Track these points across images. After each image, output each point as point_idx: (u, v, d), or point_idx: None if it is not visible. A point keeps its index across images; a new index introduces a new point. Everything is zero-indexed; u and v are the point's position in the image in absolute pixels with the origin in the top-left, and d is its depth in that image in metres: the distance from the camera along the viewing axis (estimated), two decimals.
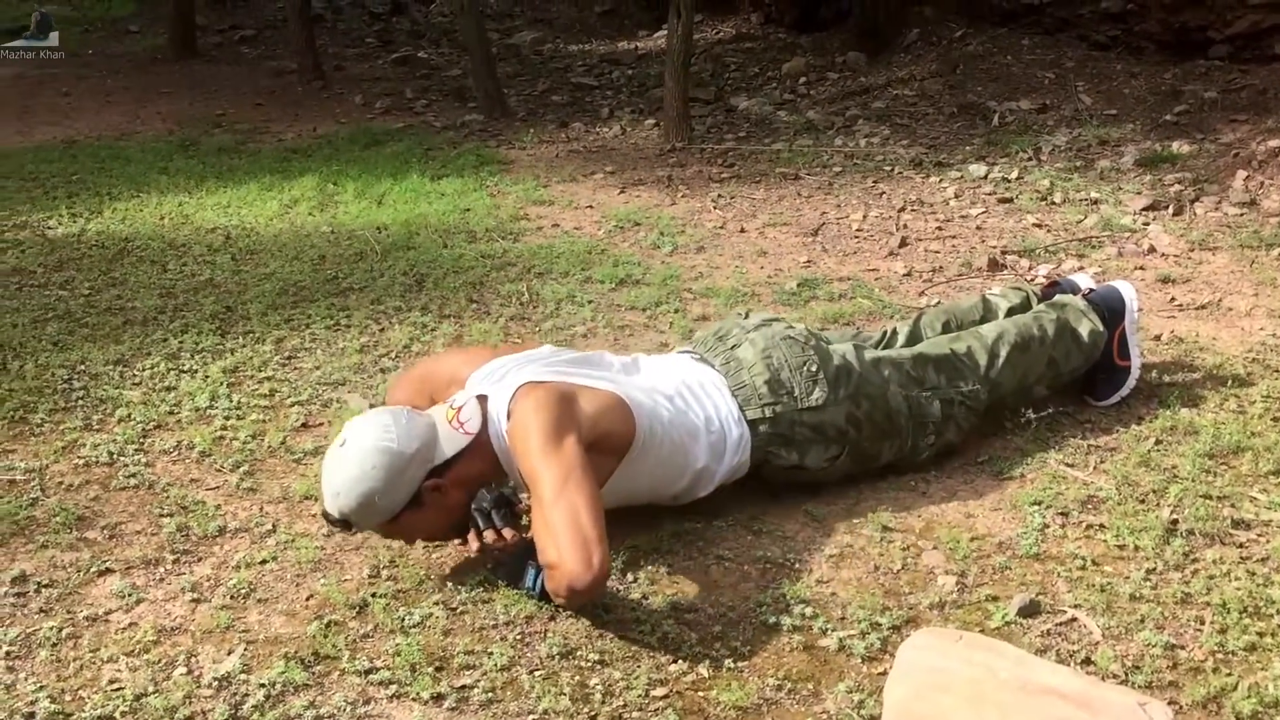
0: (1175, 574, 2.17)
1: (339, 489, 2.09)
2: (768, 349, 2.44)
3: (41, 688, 1.89)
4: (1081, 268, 3.88)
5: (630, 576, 2.19)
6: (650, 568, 2.23)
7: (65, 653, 1.99)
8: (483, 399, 2.22)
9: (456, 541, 2.31)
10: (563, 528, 1.95)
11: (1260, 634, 1.99)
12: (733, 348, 2.48)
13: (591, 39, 9.25)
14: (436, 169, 5.41)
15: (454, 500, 2.17)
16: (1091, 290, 2.88)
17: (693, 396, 2.38)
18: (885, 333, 2.78)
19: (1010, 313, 2.83)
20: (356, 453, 2.09)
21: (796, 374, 2.41)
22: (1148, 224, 4.29)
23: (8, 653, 1.98)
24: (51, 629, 2.04)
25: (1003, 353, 2.64)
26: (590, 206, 4.79)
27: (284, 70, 8.41)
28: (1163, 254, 4.00)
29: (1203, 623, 2.03)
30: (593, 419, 2.15)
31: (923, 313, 2.86)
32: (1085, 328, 2.74)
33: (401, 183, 5.09)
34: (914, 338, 2.75)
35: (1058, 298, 2.85)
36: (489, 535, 2.30)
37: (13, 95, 7.78)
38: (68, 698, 1.87)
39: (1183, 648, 1.97)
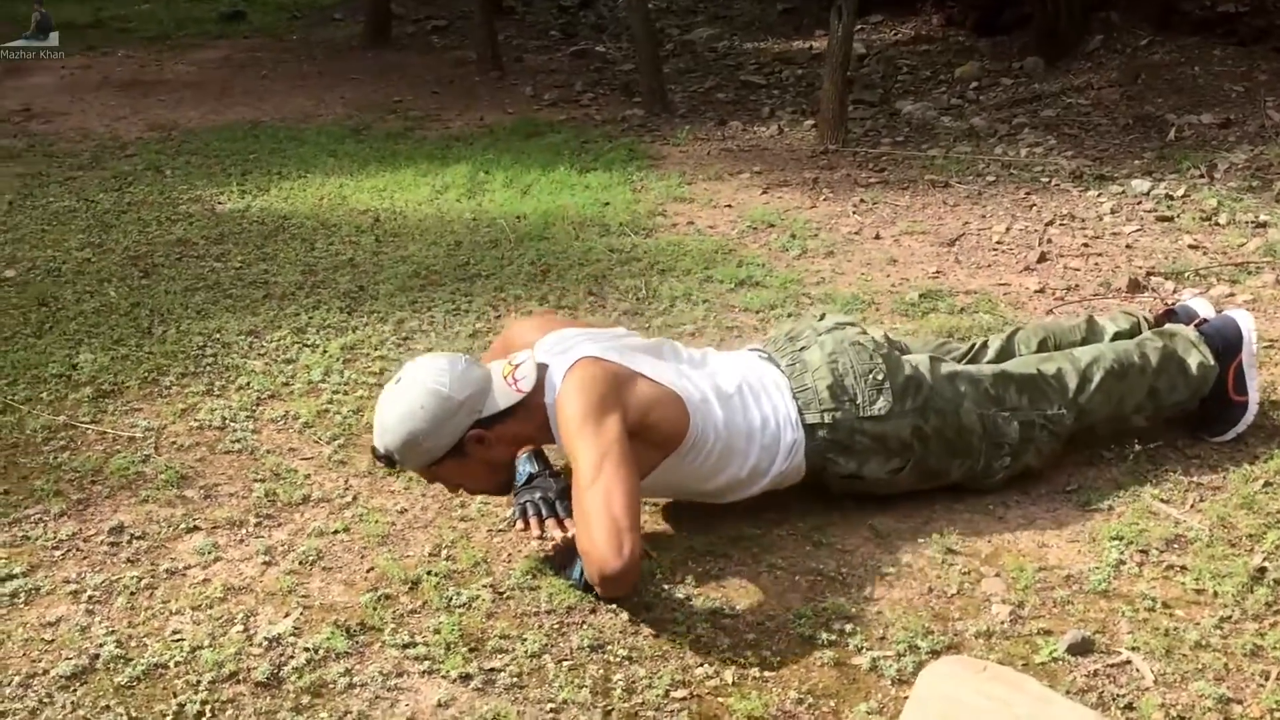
0: (1251, 624, 2.05)
1: (387, 425, 2.17)
2: (834, 353, 2.40)
3: (111, 632, 2.04)
4: (1231, 294, 3.67)
5: (678, 576, 2.21)
6: (700, 569, 2.24)
7: (140, 601, 2.14)
8: (543, 366, 2.25)
9: (519, 526, 2.37)
10: (595, 513, 1.98)
11: None
12: (801, 349, 2.45)
13: (769, 37, 9.20)
14: (587, 161, 5.50)
15: (497, 455, 2.22)
16: (1205, 321, 2.72)
17: (752, 395, 2.36)
18: (974, 345, 2.69)
19: (1116, 338, 2.70)
20: (408, 392, 2.16)
21: (861, 381, 2.37)
22: None
23: (90, 597, 2.14)
24: (133, 578, 2.20)
25: (1096, 377, 2.52)
26: (729, 205, 4.79)
27: (466, 60, 8.67)
28: None
29: (1268, 678, 1.91)
30: (643, 407, 2.16)
31: (1020, 328, 2.75)
32: (1194, 359, 2.60)
33: (549, 174, 5.20)
34: (1005, 353, 2.66)
35: (1168, 326, 2.71)
36: (550, 523, 2.36)
37: (217, 77, 8.26)
38: (132, 644, 2.01)
39: (1240, 702, 1.86)
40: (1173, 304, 2.83)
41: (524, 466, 2.47)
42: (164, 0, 12.04)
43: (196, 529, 2.38)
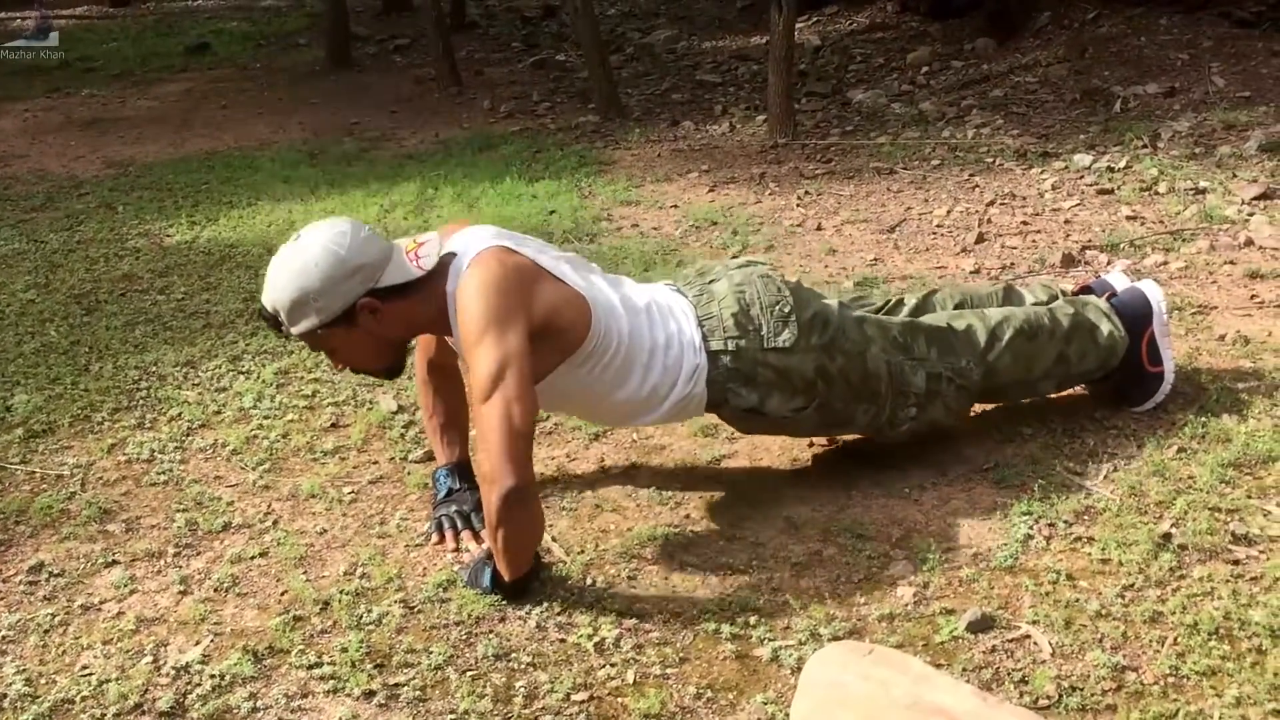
0: (1154, 591, 2.06)
1: (277, 282, 2.10)
2: (742, 284, 2.37)
3: (21, 671, 2.04)
4: (1165, 262, 3.67)
5: (589, 579, 2.22)
6: (612, 570, 2.24)
7: (53, 639, 2.14)
8: (450, 254, 2.18)
9: (434, 540, 2.38)
10: (493, 428, 1.97)
11: (1224, 658, 1.87)
12: (710, 282, 2.42)
13: (727, 35, 9.23)
14: (537, 171, 5.52)
15: (388, 333, 2.16)
16: (1115, 294, 2.72)
17: (660, 315, 2.32)
18: (889, 300, 2.68)
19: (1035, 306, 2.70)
20: (304, 250, 2.09)
21: (767, 312, 2.34)
22: (1252, 215, 4.02)
23: (4, 637, 2.15)
24: (47, 616, 2.21)
25: (1005, 336, 2.51)
26: (675, 206, 4.80)
27: (426, 78, 8.70)
28: (1260, 247, 3.75)
29: (1163, 643, 1.91)
30: (548, 309, 2.12)
31: (936, 290, 2.74)
32: (1105, 327, 2.60)
33: (497, 185, 5.22)
34: (920, 310, 2.64)
35: (1080, 296, 2.71)
36: (465, 536, 2.38)
37: (177, 110, 8.29)
38: (41, 681, 2.02)
39: (1135, 670, 1.87)
40: (1090, 281, 2.84)
41: (444, 480, 2.49)
42: (131, 37, 12.11)
43: (115, 563, 2.39)
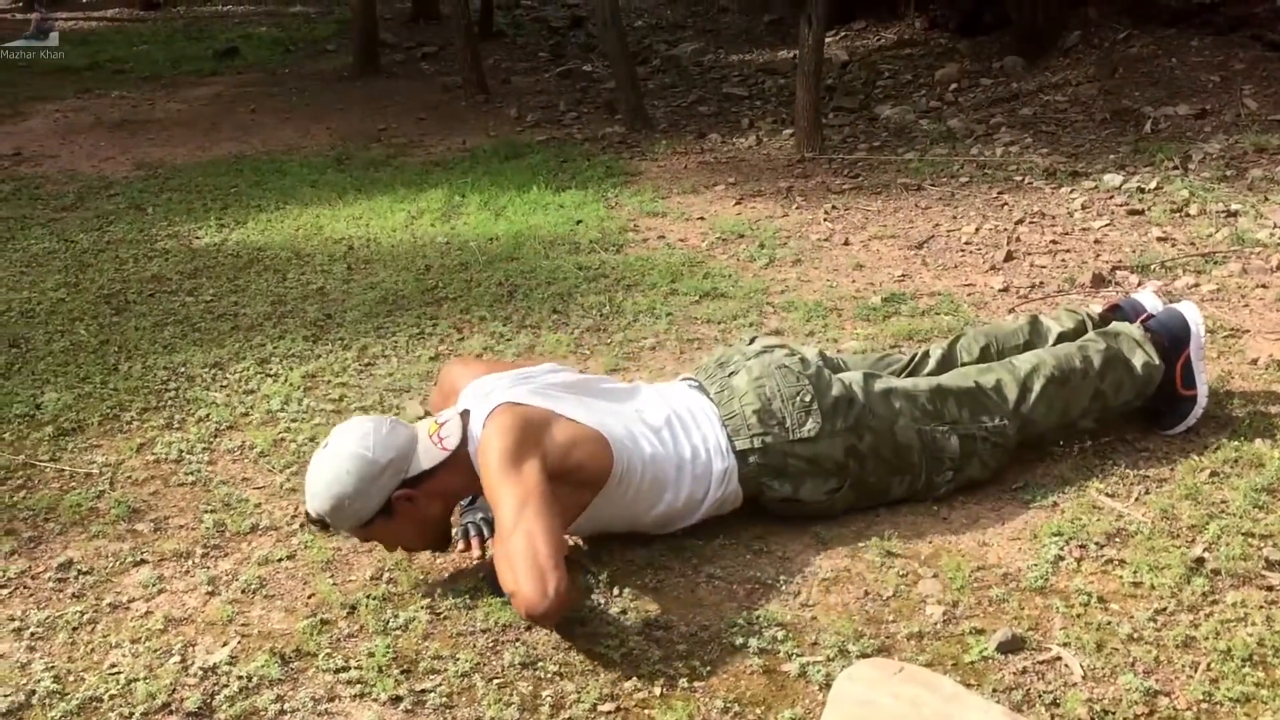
0: (1186, 615, 2.04)
1: (315, 491, 2.18)
2: (761, 378, 2.40)
3: (50, 668, 2.05)
4: (1196, 285, 3.65)
5: (615, 590, 2.21)
6: (639, 582, 2.24)
7: (81, 636, 2.15)
8: (465, 414, 2.26)
9: (460, 547, 2.38)
10: (519, 557, 1.98)
11: (1258, 684, 1.85)
12: (729, 375, 2.45)
13: (754, 48, 9.24)
14: (563, 181, 5.53)
15: (428, 512, 2.22)
16: (1151, 316, 2.70)
17: (681, 427, 2.36)
18: (915, 356, 2.68)
19: (1060, 339, 2.68)
20: (334, 456, 2.17)
21: (789, 404, 2.36)
22: None
23: (33, 634, 2.16)
24: (76, 613, 2.22)
25: (1036, 386, 2.50)
26: (702, 218, 4.80)
27: (454, 85, 8.73)
28: None
29: (1196, 669, 1.90)
30: (564, 448, 2.16)
31: (961, 334, 2.74)
32: (1139, 359, 2.58)
33: (524, 194, 5.23)
34: (947, 362, 2.64)
35: (1112, 325, 2.69)
36: (491, 543, 2.37)
37: (206, 113, 8.34)
38: (70, 678, 2.03)
39: (1167, 695, 1.85)
40: (1120, 300, 2.82)
41: None
42: (161, 40, 12.20)
43: (144, 562, 2.40)
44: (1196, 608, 2.06)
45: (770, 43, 9.33)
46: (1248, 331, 3.26)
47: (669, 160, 5.98)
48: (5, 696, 1.97)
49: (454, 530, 2.44)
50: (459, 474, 2.22)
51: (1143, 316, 2.71)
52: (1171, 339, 2.62)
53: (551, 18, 12.04)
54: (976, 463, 2.46)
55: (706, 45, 9.48)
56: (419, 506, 2.20)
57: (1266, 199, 4.44)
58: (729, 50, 9.26)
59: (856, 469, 2.38)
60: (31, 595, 2.30)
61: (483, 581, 2.24)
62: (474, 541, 2.39)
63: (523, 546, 1.99)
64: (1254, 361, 3.04)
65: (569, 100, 7.83)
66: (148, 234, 4.99)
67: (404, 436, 2.22)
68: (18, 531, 2.54)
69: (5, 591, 2.32)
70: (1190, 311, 2.66)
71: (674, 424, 2.36)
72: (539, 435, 2.15)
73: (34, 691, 1.99)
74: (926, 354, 2.67)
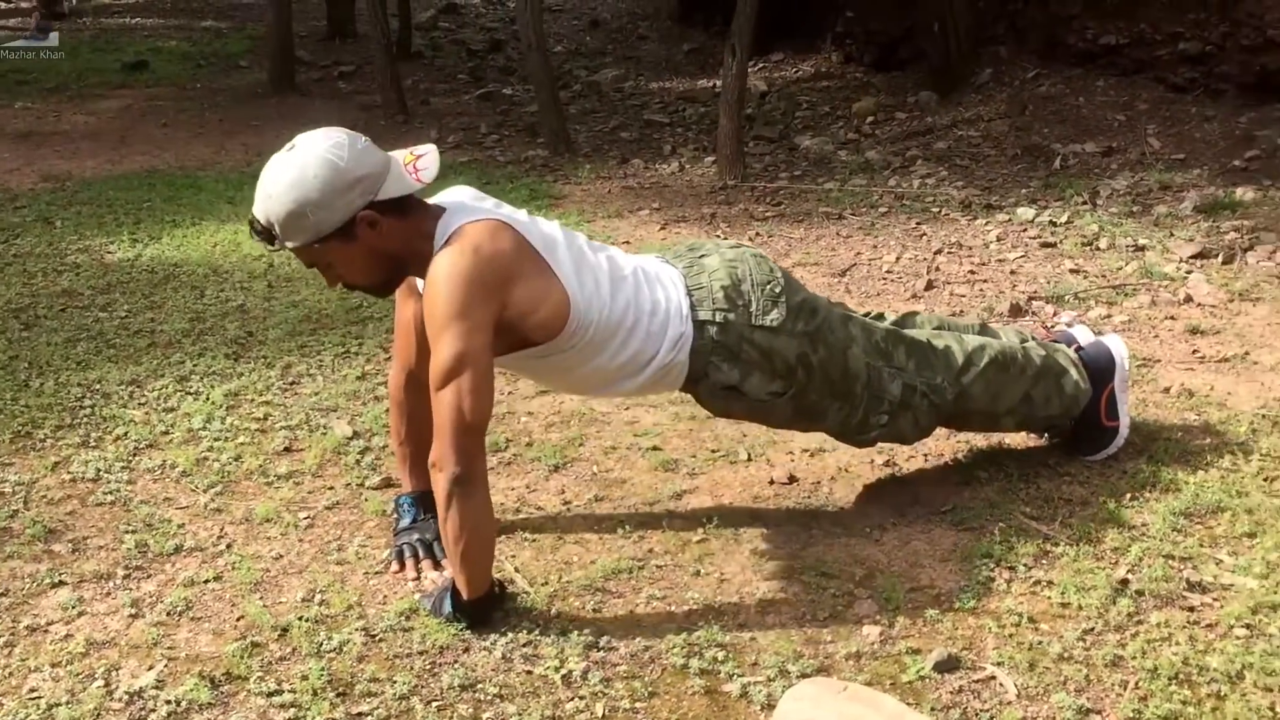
0: (1113, 635, 2.09)
1: (273, 191, 2.01)
2: (734, 260, 2.35)
3: None
4: (1108, 315, 3.76)
5: (554, 611, 2.20)
6: (577, 602, 2.23)
7: None
8: (441, 211, 2.12)
9: (394, 568, 2.35)
10: (444, 420, 1.99)
11: (1184, 702, 1.90)
12: (701, 256, 2.40)
13: (674, 77, 9.32)
14: None
15: (384, 246, 2.08)
16: (1083, 347, 2.77)
17: (646, 281, 2.28)
18: (869, 313, 2.68)
19: None
20: (301, 158, 2.01)
21: (758, 289, 2.31)
22: (1190, 273, 4.14)
23: None
24: None
25: (981, 362, 2.53)
26: (627, 242, 4.82)
27: (372, 105, 8.66)
28: (1198, 304, 3.86)
29: (1126, 687, 1.95)
30: (522, 306, 2.09)
31: (916, 312, 2.76)
32: (1070, 378, 2.64)
33: None
34: (901, 326, 2.64)
35: (1050, 344, 2.76)
36: (426, 565, 2.35)
37: (115, 126, 8.15)
38: None
39: (1098, 712, 1.89)
40: (1053, 328, 2.89)
41: (408, 509, 2.46)
42: (66, 50, 11.89)
43: (62, 583, 2.32)
44: (1123, 628, 2.11)
45: (690, 71, 9.42)
46: (1159, 361, 3.37)
47: (593, 184, 5.99)
48: None
49: (389, 551, 2.41)
50: (420, 238, 2.08)
51: (1074, 346, 2.78)
52: (1099, 370, 2.69)
53: (470, 40, 12.01)
54: (910, 417, 2.46)
55: (627, 72, 9.54)
56: (380, 236, 2.05)
57: (1171, 234, 4.60)
58: (649, 78, 9.33)
59: (804, 378, 2.34)
60: None
61: (419, 602, 2.21)
62: (409, 563, 2.36)
63: (453, 406, 1.99)
64: (1166, 390, 3.14)
65: (490, 122, 7.82)
66: (57, 248, 4.85)
67: (378, 157, 2.07)
68: None
69: None
70: (1116, 345, 2.73)
71: (639, 276, 2.28)
72: (501, 286, 2.05)
73: None
74: (882, 315, 2.68)
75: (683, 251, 2.45)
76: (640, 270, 2.31)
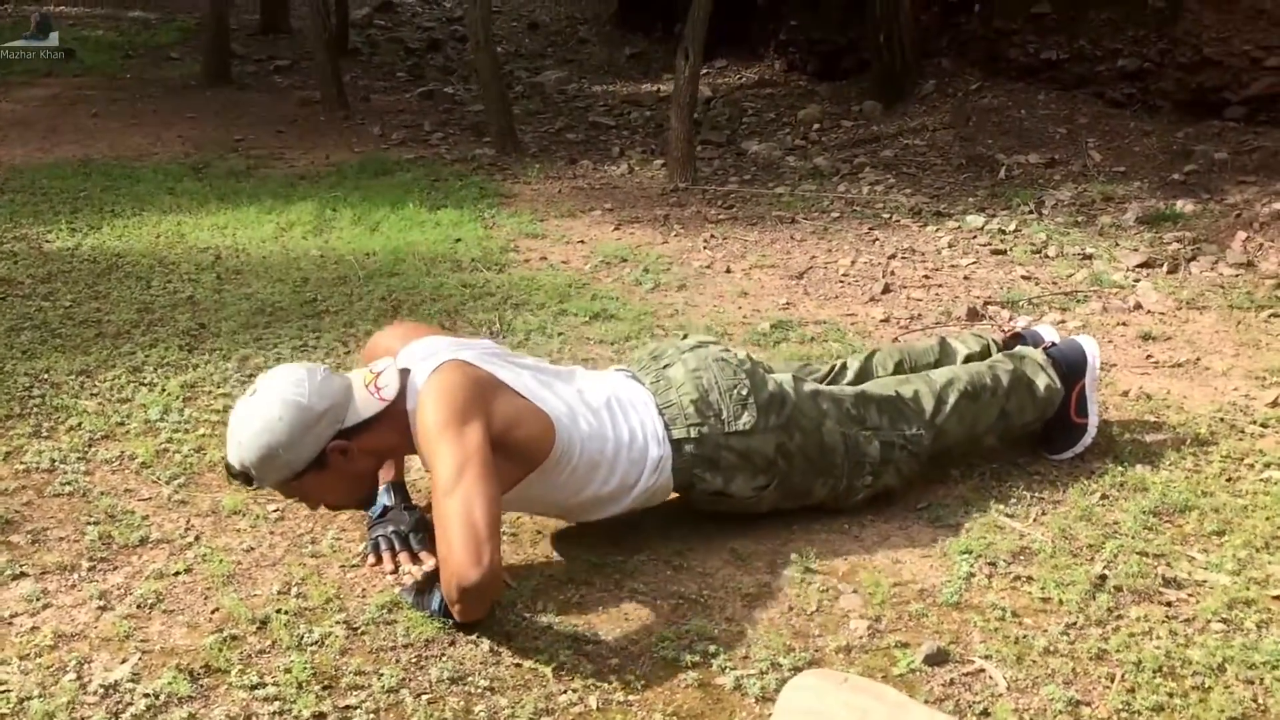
0: (1095, 629, 2.11)
1: (243, 440, 2.06)
2: (698, 370, 2.40)
3: None
4: (1062, 321, 3.83)
5: (539, 604, 2.17)
6: (561, 597, 2.20)
7: None
8: (405, 372, 2.18)
9: (370, 561, 2.29)
10: (454, 521, 1.93)
11: (1170, 694, 1.93)
12: (664, 367, 2.44)
13: (617, 80, 9.32)
14: (437, 199, 5.45)
15: (360, 468, 2.14)
16: (1053, 344, 2.82)
17: (620, 409, 2.32)
18: (834, 367, 2.73)
19: (968, 359, 2.78)
20: (265, 403, 2.06)
21: (726, 396, 2.36)
22: (1138, 281, 4.23)
23: None
24: None
25: (950, 399, 2.58)
26: (582, 241, 4.80)
27: (311, 100, 8.53)
28: (1148, 311, 3.94)
29: (1113, 679, 1.97)
30: (507, 421, 2.11)
31: (876, 350, 2.81)
32: (1042, 381, 2.69)
33: (399, 211, 5.13)
34: (864, 374, 2.71)
35: (1017, 349, 2.80)
36: (404, 557, 2.29)
37: (43, 115, 7.94)
38: None
39: (1088, 704, 1.91)
40: (1020, 329, 2.93)
41: (380, 499, 2.41)
42: None
43: (23, 575, 2.24)
44: (1104, 622, 2.14)
45: (632, 76, 9.43)
46: (1115, 365, 3.43)
47: (542, 184, 5.96)
48: None
49: (364, 544, 2.35)
50: (395, 430, 2.14)
51: (1044, 345, 2.82)
52: (1070, 367, 2.74)
53: (407, 39, 11.90)
54: (893, 470, 2.51)
55: (570, 75, 9.52)
56: (352, 460, 2.12)
57: (1117, 244, 4.70)
58: (591, 80, 9.32)
59: (784, 467, 2.39)
60: None
61: (400, 596, 2.16)
62: (385, 556, 2.30)
63: (459, 511, 1.93)
64: (1125, 394, 3.20)
65: (434, 121, 7.74)
66: None
67: (339, 385, 2.12)
68: None
69: None
70: (1089, 345, 2.78)
71: (613, 406, 2.32)
72: (485, 399, 2.08)
73: None
74: (845, 365, 2.73)
75: (646, 361, 2.50)
76: (613, 399, 2.35)
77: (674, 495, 2.41)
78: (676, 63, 5.82)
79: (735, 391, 2.37)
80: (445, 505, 1.96)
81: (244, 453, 2.07)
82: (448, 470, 1.98)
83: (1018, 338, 2.92)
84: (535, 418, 2.17)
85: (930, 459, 2.63)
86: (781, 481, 2.40)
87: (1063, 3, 6.77)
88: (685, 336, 2.63)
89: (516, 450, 2.14)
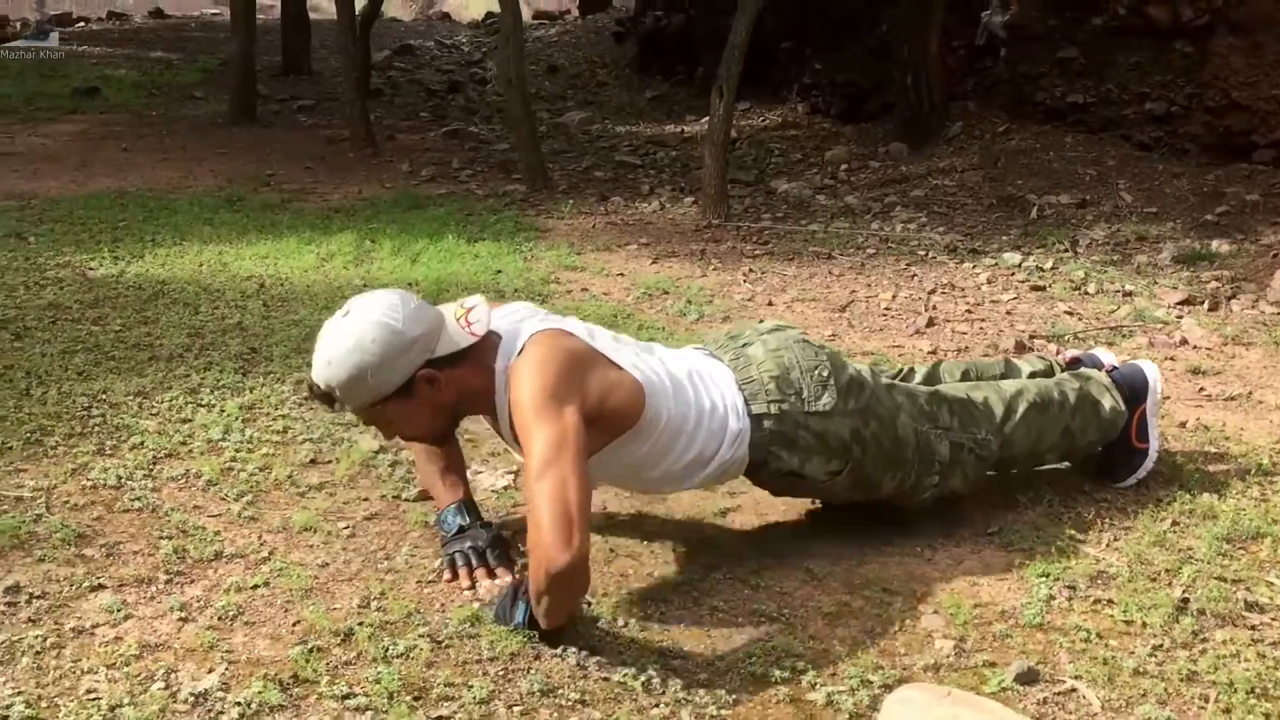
0: (1183, 652, 2.10)
1: (331, 358, 2.05)
2: (779, 348, 2.38)
3: (19, 693, 1.87)
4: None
5: (621, 620, 2.16)
6: (642, 613, 2.19)
7: (47, 661, 1.97)
8: (495, 334, 2.16)
9: (446, 577, 2.29)
10: (546, 503, 1.91)
11: (1267, 715, 1.91)
12: (744, 345, 2.42)
13: (640, 121, 9.40)
14: (474, 232, 5.48)
15: (444, 400, 2.13)
16: (1114, 368, 2.82)
17: (701, 383, 2.31)
18: (902, 370, 2.73)
19: (1032, 376, 2.78)
20: (358, 324, 2.05)
21: (807, 376, 2.35)
22: (1181, 317, 4.25)
23: None
24: (37, 638, 2.03)
25: (1020, 409, 2.57)
26: (621, 274, 4.82)
27: (337, 138, 8.61)
28: (1195, 346, 3.95)
29: (1208, 700, 1.96)
30: (602, 394, 2.09)
31: (942, 360, 2.80)
32: (1107, 402, 2.69)
33: (438, 243, 5.16)
34: (931, 380, 2.70)
35: (1082, 370, 2.80)
36: (480, 573, 2.29)
37: (74, 149, 8.00)
38: (43, 704, 1.85)
39: None
40: (1080, 354, 2.94)
41: (453, 519, 2.40)
42: (11, 75, 11.65)
43: (101, 587, 2.23)
44: (1189, 645, 2.13)
45: (655, 117, 9.51)
46: (1168, 398, 3.43)
47: (575, 219, 6.00)
48: None
49: (439, 560, 2.35)
50: (480, 376, 2.13)
51: (1105, 368, 2.82)
52: (1132, 392, 2.74)
53: (427, 81, 12.02)
54: (960, 473, 2.49)
55: (592, 116, 9.60)
56: (439, 391, 2.10)
57: (1156, 283, 4.71)
58: (614, 121, 9.39)
59: (858, 454, 2.36)
60: None
61: (482, 610, 2.15)
62: (462, 572, 2.30)
63: (553, 493, 1.92)
64: (1183, 424, 3.20)
65: (462, 159, 7.81)
66: (34, 262, 4.72)
67: (432, 314, 2.11)
68: None
69: None
70: (1150, 369, 2.79)
71: (695, 379, 2.31)
72: (582, 373, 2.07)
73: (6, 717, 1.81)
74: (912, 370, 2.72)
75: (724, 341, 2.49)
76: (694, 372, 2.34)
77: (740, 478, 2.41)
78: (711, 100, 5.87)
79: (816, 372, 2.36)
80: (537, 487, 1.94)
81: (332, 372, 2.05)
82: (542, 451, 1.96)
83: (1076, 362, 2.93)
84: (626, 386, 2.15)
85: (993, 479, 2.63)
86: (854, 469, 2.38)
87: (1089, 47, 6.84)
88: (762, 321, 2.62)
89: (606, 419, 2.12)
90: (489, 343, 2.16)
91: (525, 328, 2.17)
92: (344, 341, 2.05)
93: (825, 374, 2.36)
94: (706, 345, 2.52)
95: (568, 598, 2.00)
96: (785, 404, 2.32)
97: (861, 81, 8.09)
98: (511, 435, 2.17)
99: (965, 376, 2.73)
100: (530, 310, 2.28)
